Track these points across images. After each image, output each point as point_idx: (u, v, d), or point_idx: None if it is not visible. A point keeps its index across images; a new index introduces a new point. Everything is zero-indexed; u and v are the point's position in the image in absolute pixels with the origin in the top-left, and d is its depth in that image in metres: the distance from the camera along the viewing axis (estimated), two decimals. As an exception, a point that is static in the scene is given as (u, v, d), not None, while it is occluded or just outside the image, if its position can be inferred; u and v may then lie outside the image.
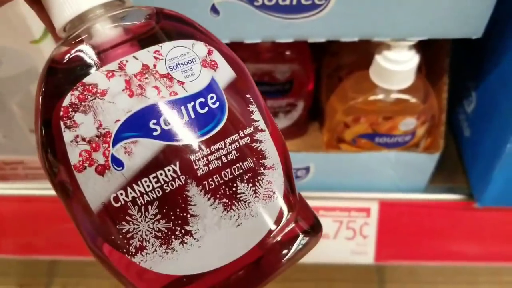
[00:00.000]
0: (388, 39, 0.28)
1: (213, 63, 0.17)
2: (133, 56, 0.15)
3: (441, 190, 0.38)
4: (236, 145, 0.16)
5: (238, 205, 0.16)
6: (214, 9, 0.27)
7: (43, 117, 0.15)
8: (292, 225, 0.16)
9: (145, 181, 0.15)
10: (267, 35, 0.28)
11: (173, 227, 0.15)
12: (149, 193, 0.15)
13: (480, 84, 0.35)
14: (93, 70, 0.15)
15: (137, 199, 0.15)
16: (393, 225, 0.37)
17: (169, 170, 0.15)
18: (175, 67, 0.16)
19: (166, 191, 0.15)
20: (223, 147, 0.16)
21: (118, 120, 0.15)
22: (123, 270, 0.16)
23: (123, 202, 0.15)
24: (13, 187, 0.38)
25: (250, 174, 0.16)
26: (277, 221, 0.16)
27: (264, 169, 0.16)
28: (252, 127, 0.17)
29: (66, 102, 0.15)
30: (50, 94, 0.15)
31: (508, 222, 0.35)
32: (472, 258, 0.38)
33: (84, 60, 0.15)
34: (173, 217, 0.15)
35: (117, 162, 0.15)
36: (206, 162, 0.15)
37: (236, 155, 0.16)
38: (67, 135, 0.15)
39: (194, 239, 0.15)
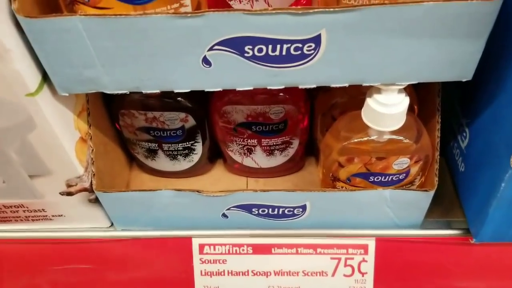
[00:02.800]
0: (377, 84, 0.29)
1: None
2: None
3: (438, 225, 0.38)
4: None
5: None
6: (206, 61, 0.27)
7: None
8: None
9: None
10: (258, 83, 0.29)
11: None
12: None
13: (473, 121, 0.35)
14: None
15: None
16: (391, 261, 0.37)
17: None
18: None
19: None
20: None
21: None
22: None
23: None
24: (14, 229, 0.39)
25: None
26: None
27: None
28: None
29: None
30: None
31: (506, 258, 0.35)
32: (472, 293, 0.37)
33: None
34: None
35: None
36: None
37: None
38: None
39: None
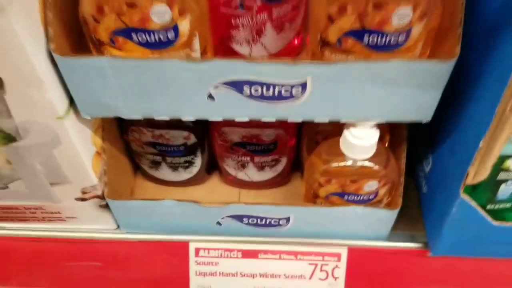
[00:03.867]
0: (352, 120, 0.34)
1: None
2: None
3: (403, 237, 0.44)
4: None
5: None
6: (210, 96, 0.32)
7: None
8: None
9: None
10: (253, 115, 0.34)
11: None
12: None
13: (435, 150, 0.41)
14: None
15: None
16: (360, 268, 0.42)
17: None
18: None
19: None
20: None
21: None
22: None
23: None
24: (31, 227, 0.44)
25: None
26: None
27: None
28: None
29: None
30: None
31: (458, 270, 0.41)
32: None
33: None
34: None
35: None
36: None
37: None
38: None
39: None
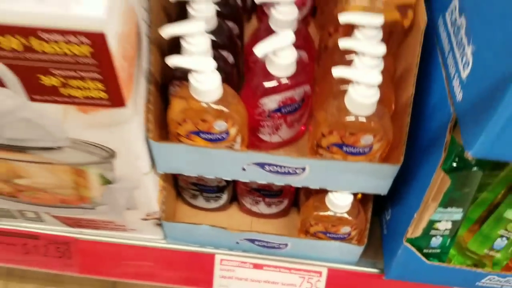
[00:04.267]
0: (334, 189, 0.52)
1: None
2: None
3: (367, 263, 0.61)
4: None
5: None
6: (243, 169, 0.50)
7: None
8: None
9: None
10: (270, 181, 0.51)
11: None
12: None
13: (392, 206, 0.58)
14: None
15: None
16: (335, 283, 0.60)
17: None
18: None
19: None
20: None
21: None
22: None
23: None
24: (108, 234, 0.62)
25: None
26: None
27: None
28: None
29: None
30: None
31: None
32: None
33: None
34: None
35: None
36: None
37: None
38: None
39: None
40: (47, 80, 0.39)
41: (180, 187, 0.63)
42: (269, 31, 0.47)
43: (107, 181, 0.52)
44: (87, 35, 0.34)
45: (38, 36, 0.35)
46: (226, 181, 0.60)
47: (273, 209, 0.64)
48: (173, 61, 0.41)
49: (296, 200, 0.65)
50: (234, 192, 0.64)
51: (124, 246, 0.61)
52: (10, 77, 0.39)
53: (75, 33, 0.34)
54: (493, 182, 0.54)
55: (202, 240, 0.61)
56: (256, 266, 0.61)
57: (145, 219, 0.59)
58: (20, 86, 0.39)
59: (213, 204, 0.64)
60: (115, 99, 0.40)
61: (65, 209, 0.58)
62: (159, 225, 0.60)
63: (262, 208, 0.63)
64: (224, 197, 0.63)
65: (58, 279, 0.71)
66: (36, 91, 0.40)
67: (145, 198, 0.55)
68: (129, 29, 0.40)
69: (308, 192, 0.60)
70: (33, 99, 0.41)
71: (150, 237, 0.62)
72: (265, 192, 0.60)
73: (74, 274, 0.63)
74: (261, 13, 0.60)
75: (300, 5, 0.59)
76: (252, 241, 0.59)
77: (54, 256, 0.62)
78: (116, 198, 0.55)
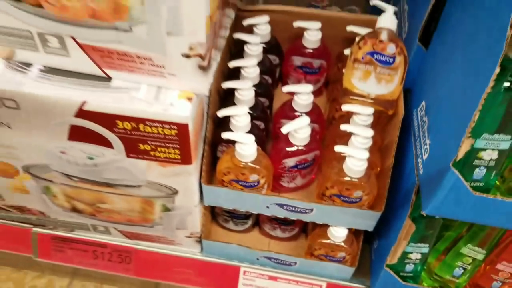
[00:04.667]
0: (334, 225, 0.70)
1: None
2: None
3: (357, 281, 0.79)
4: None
5: None
6: (267, 206, 0.68)
7: None
8: None
9: None
10: (286, 216, 0.69)
11: None
12: None
13: (378, 238, 0.76)
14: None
15: None
16: (332, 294, 0.78)
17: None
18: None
19: None
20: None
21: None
22: None
23: None
24: (155, 246, 0.80)
25: None
26: None
27: None
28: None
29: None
30: None
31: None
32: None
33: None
34: None
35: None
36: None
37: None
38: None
39: None
40: (143, 147, 0.57)
41: (216, 213, 0.82)
42: (292, 110, 0.66)
43: (167, 209, 0.71)
44: (176, 124, 0.53)
45: (145, 123, 0.53)
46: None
47: (287, 234, 0.82)
48: (226, 135, 0.60)
49: (305, 228, 0.83)
50: (257, 219, 0.82)
51: (171, 256, 0.80)
52: (118, 143, 0.57)
53: (169, 123, 0.53)
54: (455, 225, 0.71)
55: (230, 255, 0.79)
56: (272, 278, 0.79)
57: (189, 237, 0.77)
58: (123, 149, 0.58)
59: (240, 227, 0.82)
60: (185, 160, 0.59)
61: (130, 226, 0.76)
62: (199, 241, 0.79)
63: (278, 233, 0.81)
64: (249, 222, 0.81)
65: (113, 278, 0.89)
66: (133, 152, 0.59)
67: (192, 222, 0.73)
68: (199, 115, 0.58)
69: (315, 224, 0.78)
70: (129, 156, 0.60)
71: (191, 250, 0.81)
72: (281, 221, 0.78)
73: (130, 276, 0.81)
74: (285, 84, 0.79)
75: (315, 82, 0.78)
76: (269, 258, 0.77)
77: (116, 262, 0.81)
78: (171, 221, 0.73)
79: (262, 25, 0.71)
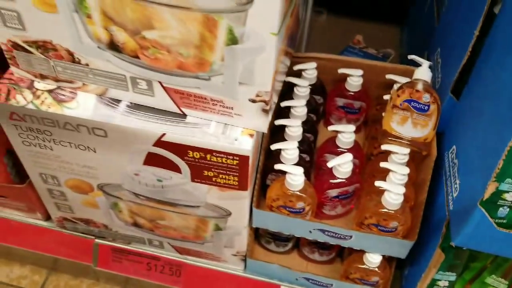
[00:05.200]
0: (370, 251, 0.77)
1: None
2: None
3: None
4: None
5: None
6: (310, 231, 0.76)
7: None
8: None
9: None
10: (326, 241, 0.77)
11: None
12: None
13: (410, 264, 0.82)
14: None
15: None
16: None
17: None
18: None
19: None
20: None
21: None
22: None
23: None
24: (203, 261, 0.88)
25: None
26: None
27: None
28: None
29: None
30: None
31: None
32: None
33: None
34: None
35: None
36: None
37: None
38: None
39: None
40: (207, 173, 0.67)
41: (259, 235, 0.90)
42: (335, 146, 0.74)
43: (219, 228, 0.79)
44: (239, 156, 0.62)
45: (212, 154, 0.63)
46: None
47: (324, 258, 0.89)
48: (279, 166, 0.68)
49: (341, 253, 0.90)
50: (296, 242, 0.90)
51: (217, 271, 0.88)
52: (186, 169, 0.67)
53: (233, 155, 0.62)
54: (480, 256, 0.77)
55: (271, 273, 0.87)
56: (308, 297, 0.86)
57: (235, 255, 0.86)
58: (189, 174, 0.68)
59: (281, 249, 0.90)
60: (242, 186, 0.68)
61: (183, 242, 0.85)
62: (243, 260, 0.87)
63: (316, 256, 0.89)
64: (289, 245, 0.89)
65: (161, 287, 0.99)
66: (198, 177, 0.68)
67: (239, 241, 0.82)
68: (256, 148, 0.67)
69: (351, 250, 0.85)
70: (193, 181, 0.69)
71: (235, 267, 0.89)
72: (320, 245, 0.86)
73: (179, 288, 0.90)
74: (327, 121, 0.88)
75: (355, 121, 0.86)
76: (308, 279, 0.85)
77: (167, 274, 0.90)
78: (220, 239, 0.82)
79: (310, 70, 0.80)
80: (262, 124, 0.62)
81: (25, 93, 0.65)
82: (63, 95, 0.65)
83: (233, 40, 0.52)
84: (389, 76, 0.78)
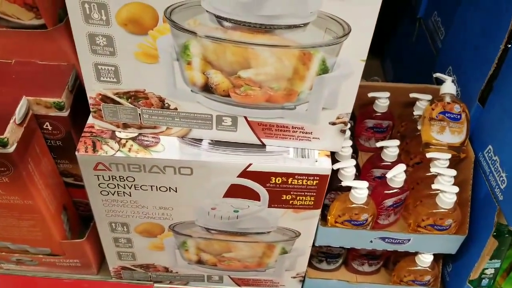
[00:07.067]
0: (425, 251, 0.84)
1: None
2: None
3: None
4: None
5: None
6: (370, 241, 0.83)
7: None
8: None
9: None
10: (385, 248, 0.84)
11: None
12: None
13: (455, 260, 0.91)
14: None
15: None
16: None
17: None
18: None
19: None
20: None
21: None
22: None
23: None
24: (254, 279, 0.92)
25: None
26: None
27: None
28: None
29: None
30: None
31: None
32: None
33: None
34: None
35: None
36: None
37: None
38: None
39: None
40: (285, 197, 0.72)
41: (310, 255, 0.95)
42: (380, 160, 0.83)
43: (284, 252, 0.84)
44: (320, 176, 0.69)
45: (294, 177, 0.69)
46: (345, 249, 0.92)
47: (372, 268, 0.95)
48: (347, 182, 0.76)
49: (385, 263, 0.97)
50: (345, 258, 0.96)
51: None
52: (265, 196, 0.72)
53: (314, 175, 0.69)
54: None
55: (328, 289, 0.92)
56: (366, 307, 0.92)
57: (294, 277, 0.90)
58: (267, 200, 0.73)
59: (332, 266, 0.96)
60: (317, 205, 0.74)
61: (244, 272, 0.89)
62: (301, 281, 0.91)
63: (365, 267, 0.95)
64: (340, 261, 0.95)
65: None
66: (275, 203, 0.73)
67: (301, 262, 0.87)
68: (326, 168, 0.74)
69: (397, 257, 0.93)
70: (270, 206, 0.74)
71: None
72: (370, 256, 0.93)
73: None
74: (357, 142, 0.97)
75: (382, 139, 0.96)
76: (360, 290, 0.91)
77: (228, 307, 0.92)
78: (283, 263, 0.86)
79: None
80: (337, 144, 0.70)
81: (110, 143, 0.68)
82: (147, 140, 0.69)
83: (324, 70, 0.57)
84: (413, 95, 0.89)
